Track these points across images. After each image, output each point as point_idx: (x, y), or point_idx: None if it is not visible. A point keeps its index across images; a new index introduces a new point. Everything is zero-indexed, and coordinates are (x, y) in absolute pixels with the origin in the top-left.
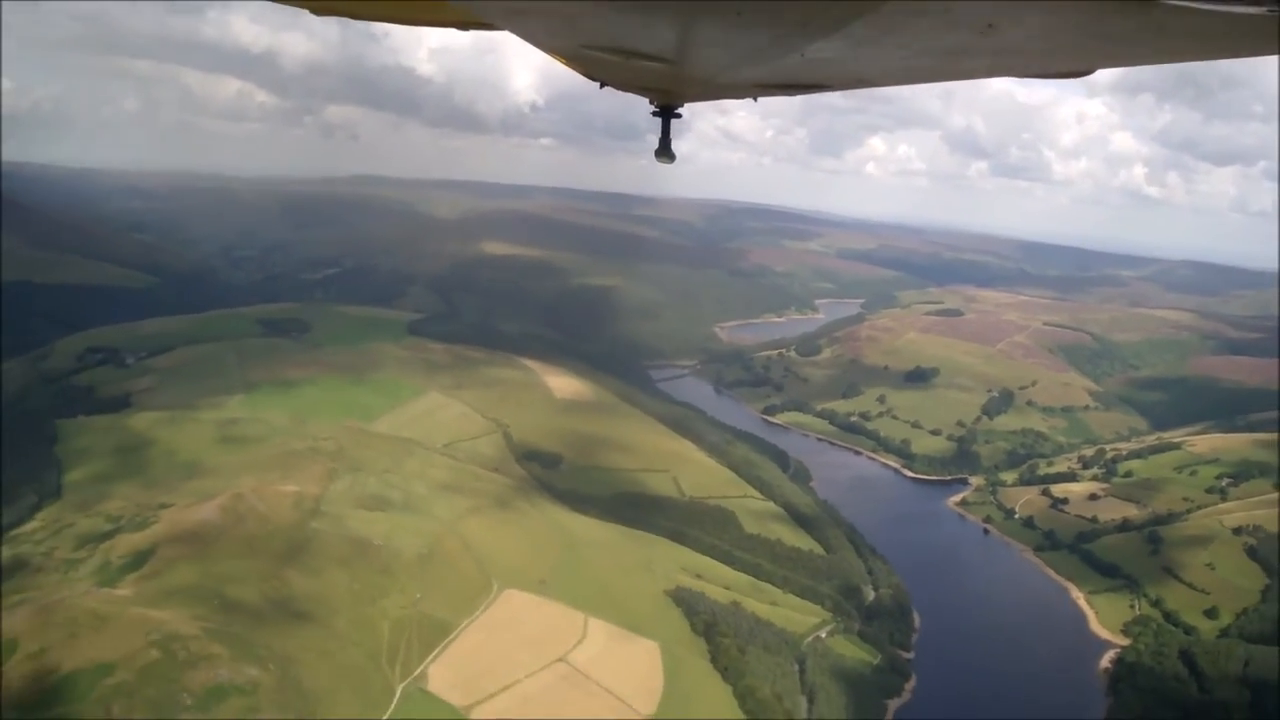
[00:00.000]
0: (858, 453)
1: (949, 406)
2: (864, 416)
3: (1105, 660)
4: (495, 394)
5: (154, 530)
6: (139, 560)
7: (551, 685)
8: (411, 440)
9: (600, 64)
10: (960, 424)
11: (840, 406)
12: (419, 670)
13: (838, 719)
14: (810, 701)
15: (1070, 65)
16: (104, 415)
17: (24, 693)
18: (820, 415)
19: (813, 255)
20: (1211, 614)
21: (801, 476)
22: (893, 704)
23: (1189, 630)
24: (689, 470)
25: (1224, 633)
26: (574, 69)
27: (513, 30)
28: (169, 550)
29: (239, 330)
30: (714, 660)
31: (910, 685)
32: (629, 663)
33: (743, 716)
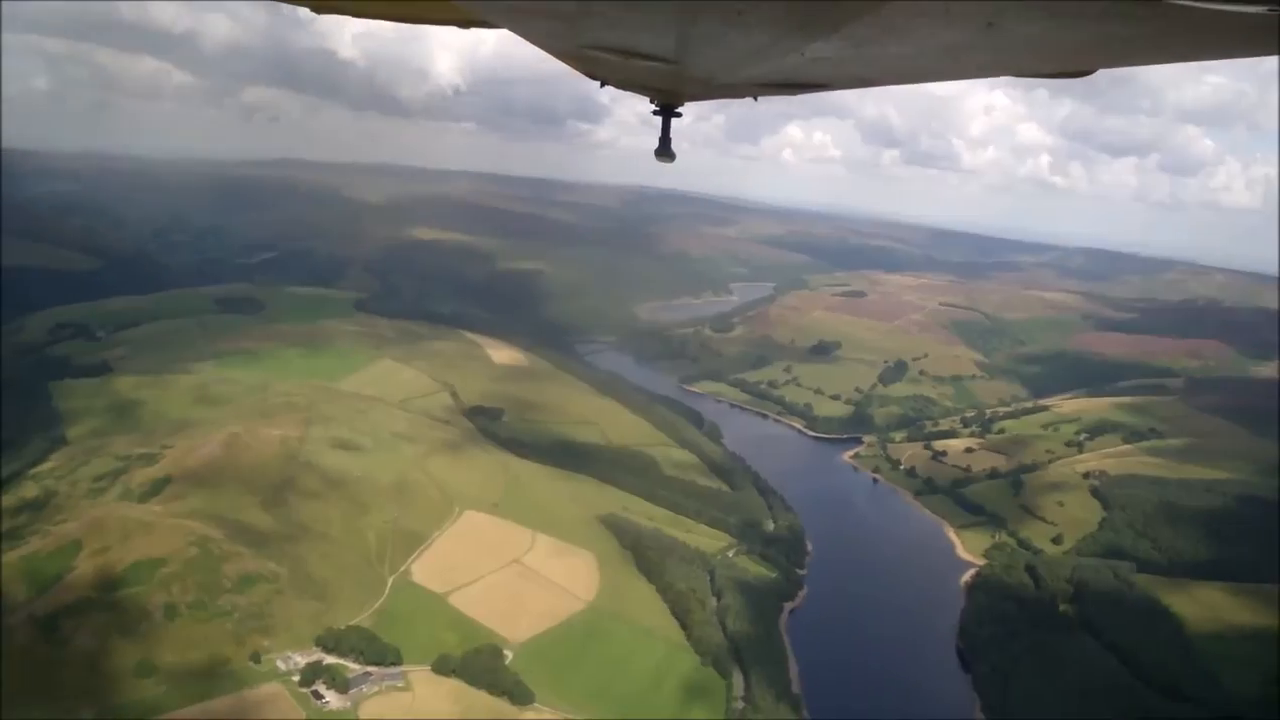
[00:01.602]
0: (765, 416)
1: (848, 375)
2: (772, 384)
3: (966, 576)
4: (441, 361)
5: (163, 465)
6: (157, 487)
7: (510, 579)
8: (372, 397)
9: (601, 63)
10: (858, 390)
11: (750, 376)
12: (403, 567)
13: (742, 613)
14: (718, 599)
15: (1070, 65)
16: (89, 379)
17: (97, 579)
18: (732, 384)
19: (728, 241)
20: (1057, 540)
21: (714, 434)
22: (787, 606)
23: (1036, 552)
24: (615, 424)
25: (1065, 554)
26: (574, 68)
27: (513, 30)
28: (182, 479)
29: (197, 308)
30: (639, 567)
31: (802, 593)
32: (570, 565)
33: (664, 606)
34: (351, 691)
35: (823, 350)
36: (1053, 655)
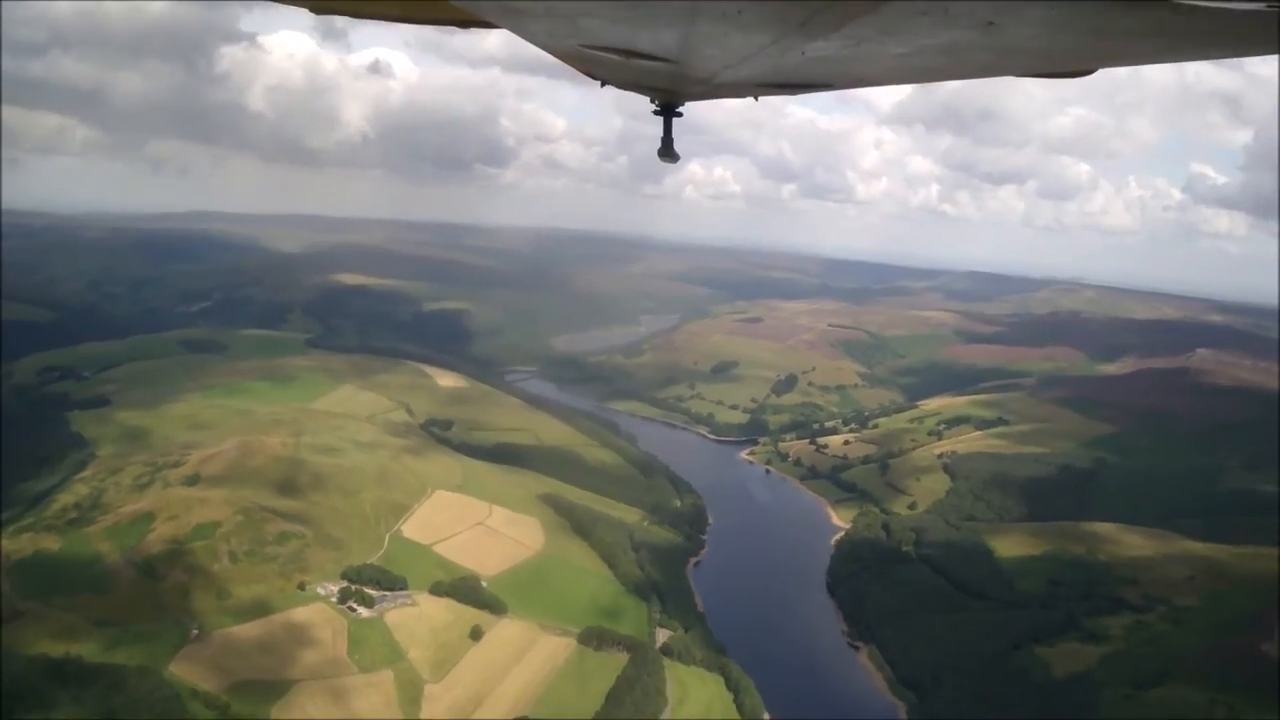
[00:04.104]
0: (673, 425)
1: (745, 389)
2: (678, 399)
3: (837, 536)
4: (393, 387)
5: (190, 467)
6: (190, 482)
7: (478, 536)
8: (343, 415)
9: (601, 63)
10: (754, 401)
11: (659, 394)
12: (395, 527)
13: (655, 564)
14: (636, 553)
15: (1070, 64)
16: (95, 410)
17: (172, 537)
18: (643, 401)
19: (635, 278)
20: (912, 506)
21: (629, 439)
22: (692, 560)
23: (892, 515)
24: (546, 430)
25: (916, 515)
26: (574, 67)
27: (512, 30)
28: (209, 477)
29: (165, 350)
30: (574, 529)
31: (704, 551)
32: (521, 528)
33: (596, 555)
34: (376, 607)
35: (722, 369)
36: (895, 579)
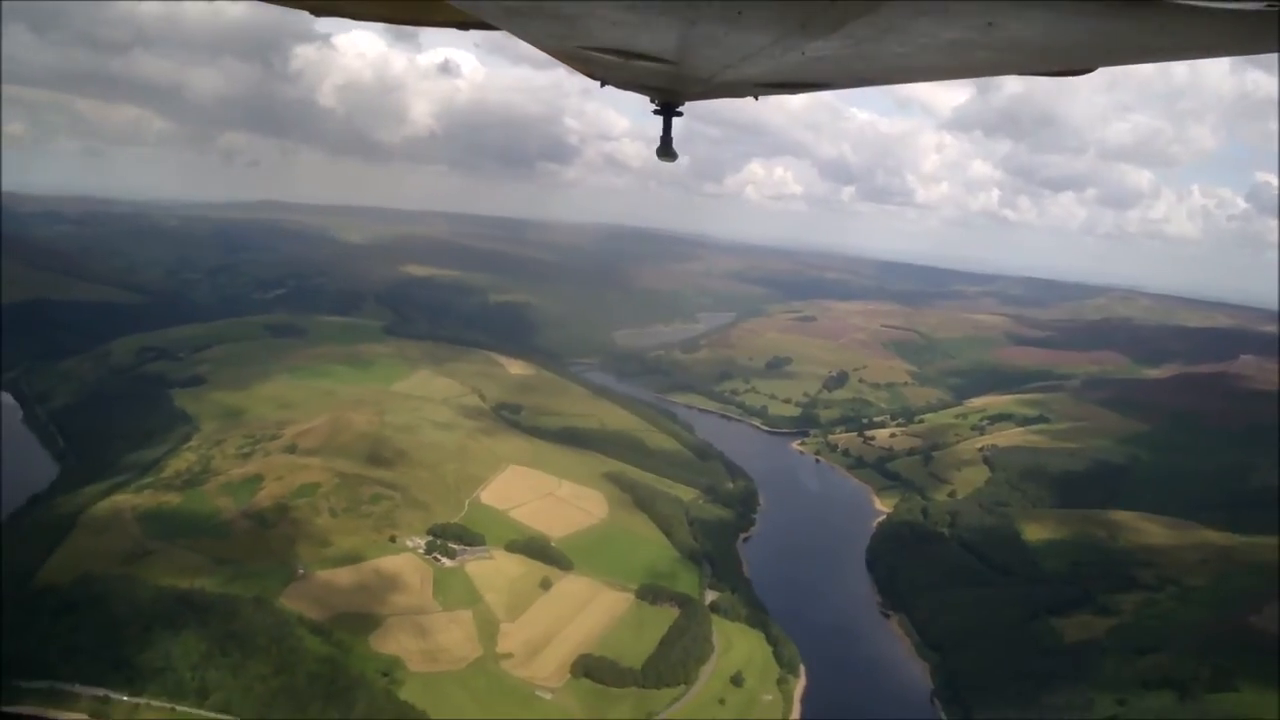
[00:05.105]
0: (728, 417)
1: (798, 385)
2: (734, 393)
3: (878, 520)
4: (466, 373)
5: (286, 439)
6: (289, 450)
7: (548, 504)
8: (420, 397)
9: (600, 64)
10: (806, 395)
11: (715, 387)
12: (474, 495)
13: (708, 536)
14: (691, 526)
15: (1070, 63)
16: (192, 389)
17: (279, 495)
18: (700, 394)
19: (694, 276)
20: (951, 495)
21: (686, 427)
22: (742, 535)
23: (931, 501)
24: (610, 417)
25: (955, 502)
26: (573, 68)
27: (512, 31)
28: (304, 448)
29: (251, 334)
30: (635, 503)
31: (754, 529)
32: (587, 497)
33: (654, 525)
34: (457, 558)
35: (776, 365)
36: (929, 556)
